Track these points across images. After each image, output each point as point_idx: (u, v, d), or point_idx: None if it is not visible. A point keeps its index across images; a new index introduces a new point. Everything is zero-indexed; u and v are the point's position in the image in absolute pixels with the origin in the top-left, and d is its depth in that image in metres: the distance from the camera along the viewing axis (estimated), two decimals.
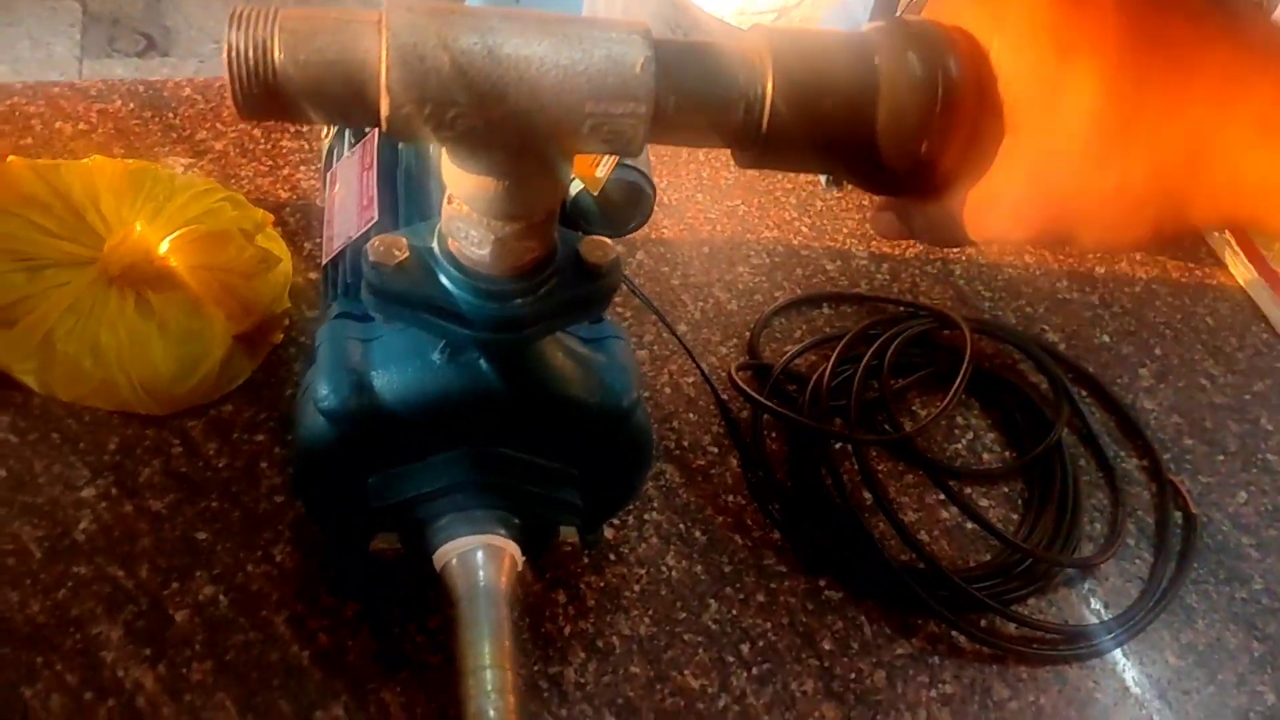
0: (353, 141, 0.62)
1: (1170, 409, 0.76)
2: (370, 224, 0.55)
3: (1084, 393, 0.76)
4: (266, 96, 0.34)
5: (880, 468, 0.70)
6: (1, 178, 0.66)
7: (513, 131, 0.35)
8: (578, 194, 0.57)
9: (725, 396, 0.70)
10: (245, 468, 0.63)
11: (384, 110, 0.34)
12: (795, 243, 0.82)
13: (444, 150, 0.38)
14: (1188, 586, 0.66)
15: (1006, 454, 0.72)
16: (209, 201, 0.69)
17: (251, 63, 0.34)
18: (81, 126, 0.78)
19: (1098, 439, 0.72)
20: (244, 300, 0.65)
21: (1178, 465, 0.73)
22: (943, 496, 0.68)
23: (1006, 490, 0.70)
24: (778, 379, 0.72)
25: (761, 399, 0.68)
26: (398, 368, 0.47)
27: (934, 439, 0.72)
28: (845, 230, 0.83)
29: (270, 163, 0.78)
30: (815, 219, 0.84)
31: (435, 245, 0.43)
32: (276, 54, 0.33)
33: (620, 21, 0.36)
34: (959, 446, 0.72)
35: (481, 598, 0.48)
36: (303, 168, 0.78)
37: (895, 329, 0.74)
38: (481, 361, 0.47)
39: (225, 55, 0.34)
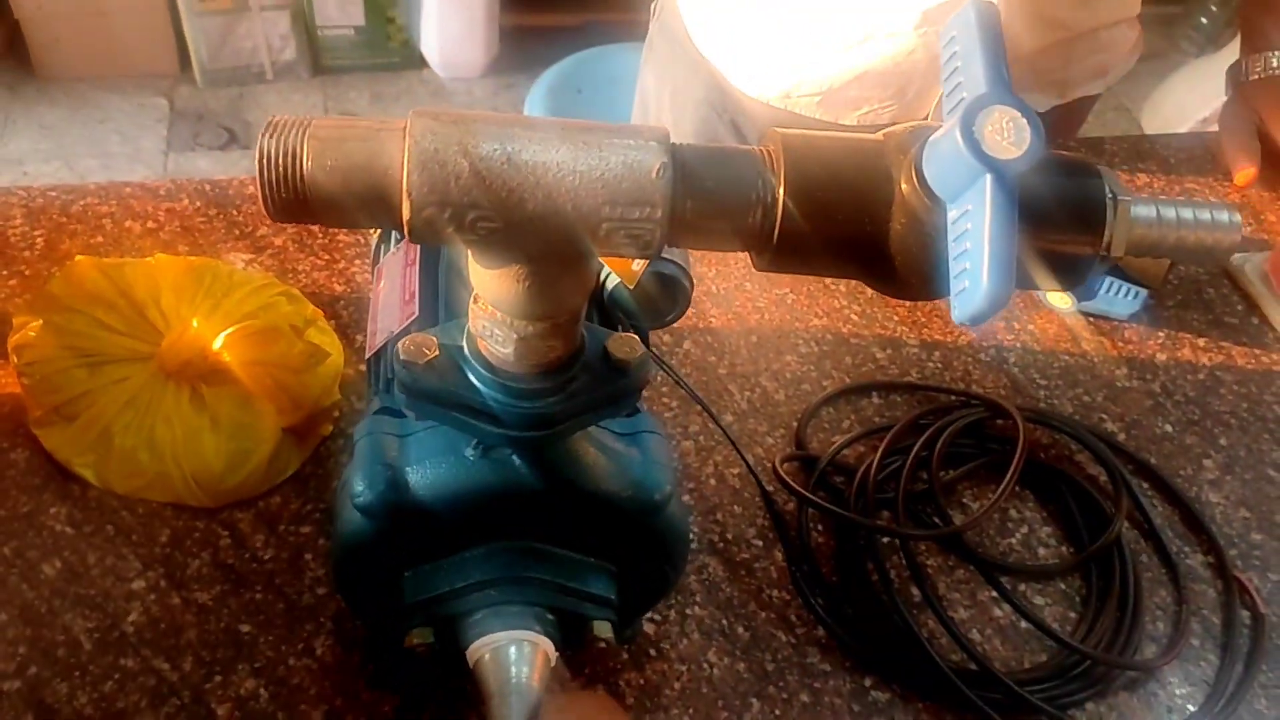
0: (399, 238, 0.63)
1: (1238, 502, 0.73)
2: (411, 319, 0.56)
3: (1145, 485, 0.73)
4: (295, 200, 0.36)
5: (929, 562, 0.68)
6: (69, 276, 0.69)
7: (533, 234, 0.36)
8: (614, 288, 0.57)
9: (770, 489, 0.69)
10: (290, 560, 0.63)
11: (405, 213, 0.35)
12: (844, 330, 0.81)
13: (469, 252, 0.39)
14: (1256, 690, 0.63)
15: (1063, 549, 0.69)
16: (265, 296, 0.71)
17: (281, 168, 0.35)
18: (150, 224, 0.81)
19: (1160, 534, 0.70)
20: (294, 394, 0.67)
21: (1245, 562, 0.70)
22: (995, 594, 0.66)
23: (1064, 587, 0.68)
24: (825, 470, 0.71)
25: (806, 493, 0.67)
26: (432, 464, 0.48)
27: (986, 533, 0.70)
28: (896, 318, 0.83)
29: (327, 257, 0.80)
30: (865, 306, 0.83)
31: (464, 344, 0.44)
32: (305, 160, 0.35)
33: (640, 128, 0.37)
34: (1013, 541, 0.70)
35: (513, 695, 0.48)
36: (358, 261, 0.80)
37: (946, 419, 0.73)
38: (514, 457, 0.47)
39: (257, 161, 0.35)
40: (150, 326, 0.68)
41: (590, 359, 0.44)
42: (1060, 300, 0.83)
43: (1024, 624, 0.65)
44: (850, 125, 0.94)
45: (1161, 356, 0.82)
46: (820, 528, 0.69)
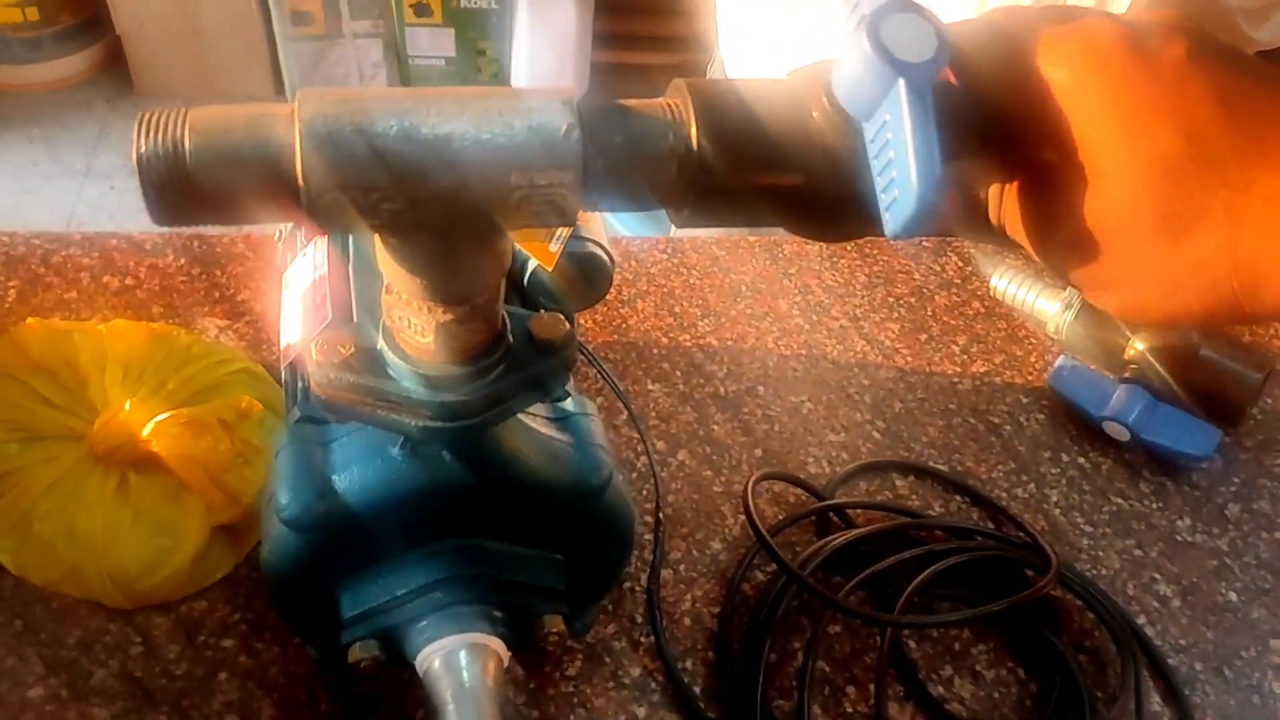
0: (303, 243, 0.59)
1: None
2: (325, 324, 0.52)
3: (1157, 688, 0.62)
4: (183, 199, 0.33)
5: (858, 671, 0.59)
6: (15, 341, 0.65)
7: (439, 210, 0.34)
8: (534, 270, 0.56)
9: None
10: (203, 678, 0.57)
11: (304, 200, 0.33)
12: (864, 450, 0.72)
13: (378, 240, 0.37)
14: None
15: None
16: (221, 373, 0.66)
17: (164, 166, 0.33)
18: (128, 281, 0.77)
19: None
20: (228, 490, 0.61)
21: None
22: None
23: None
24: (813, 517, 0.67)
25: (758, 523, 0.60)
26: (359, 468, 0.45)
27: (939, 669, 0.60)
28: (925, 439, 0.73)
29: None
30: (890, 424, 0.74)
31: (381, 338, 0.41)
32: (189, 154, 0.32)
33: (542, 90, 0.35)
34: (964, 689, 0.60)
35: (468, 700, 0.44)
36: None
37: (971, 543, 0.64)
38: (444, 453, 0.44)
39: (135, 163, 0.32)
40: (88, 403, 0.63)
41: (514, 342, 0.42)
42: (1118, 432, 0.73)
43: None
44: None
45: (1233, 508, 0.71)
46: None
